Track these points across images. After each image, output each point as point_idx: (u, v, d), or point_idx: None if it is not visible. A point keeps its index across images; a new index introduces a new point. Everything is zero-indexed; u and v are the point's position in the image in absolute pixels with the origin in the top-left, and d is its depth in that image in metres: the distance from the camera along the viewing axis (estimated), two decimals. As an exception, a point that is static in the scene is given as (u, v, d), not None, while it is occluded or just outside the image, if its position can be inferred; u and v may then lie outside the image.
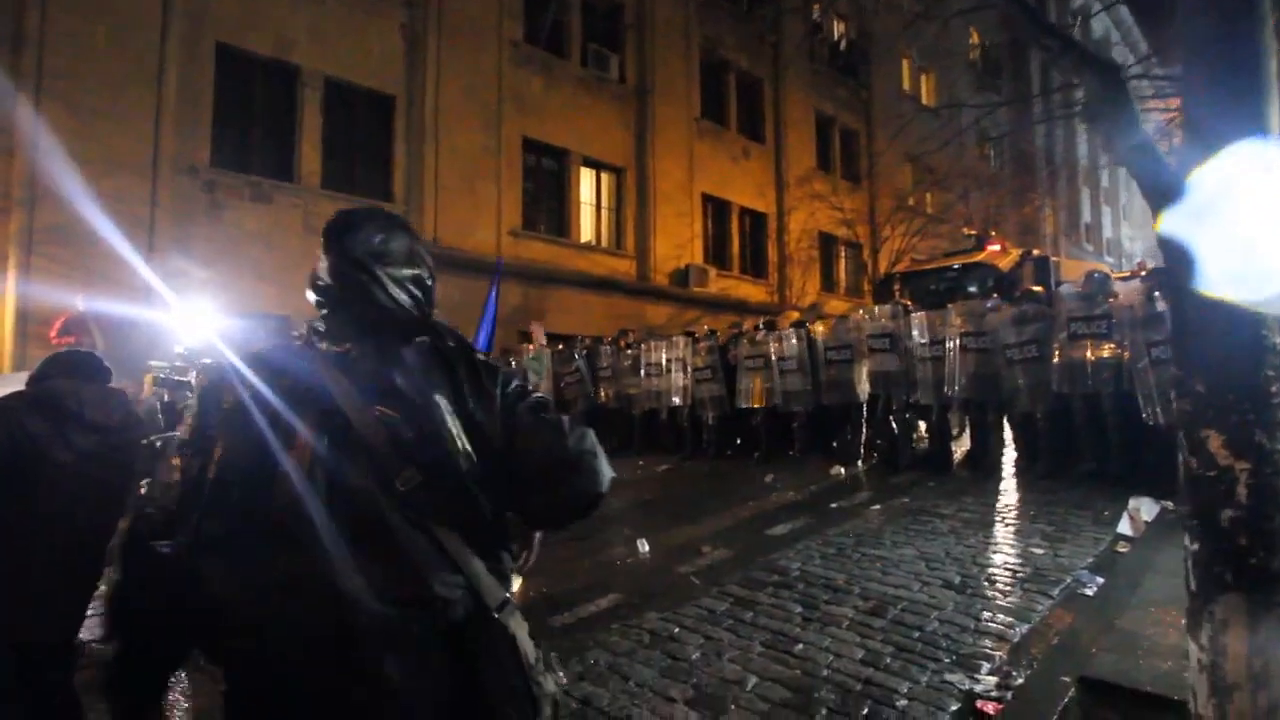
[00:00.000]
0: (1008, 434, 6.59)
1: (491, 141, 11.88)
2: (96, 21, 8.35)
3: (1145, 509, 4.42)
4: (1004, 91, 22.57)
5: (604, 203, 14.06)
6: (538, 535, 1.36)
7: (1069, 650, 2.83)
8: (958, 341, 6.25)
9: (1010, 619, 3.14)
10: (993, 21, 19.70)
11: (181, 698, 2.69)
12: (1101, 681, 2.54)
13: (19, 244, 7.78)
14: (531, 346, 10.04)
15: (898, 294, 9.84)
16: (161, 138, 8.76)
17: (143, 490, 1.62)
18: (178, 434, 1.17)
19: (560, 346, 10.06)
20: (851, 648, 2.95)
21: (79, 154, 7.55)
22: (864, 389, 7.04)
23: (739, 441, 8.28)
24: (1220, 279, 1.53)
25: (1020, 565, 3.83)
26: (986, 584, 3.59)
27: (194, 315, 6.17)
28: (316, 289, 1.20)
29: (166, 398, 4.42)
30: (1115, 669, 2.60)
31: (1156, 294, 5.36)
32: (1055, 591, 3.42)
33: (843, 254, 19.09)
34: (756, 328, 8.37)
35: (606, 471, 1.21)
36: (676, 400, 8.45)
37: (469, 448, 1.14)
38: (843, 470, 6.70)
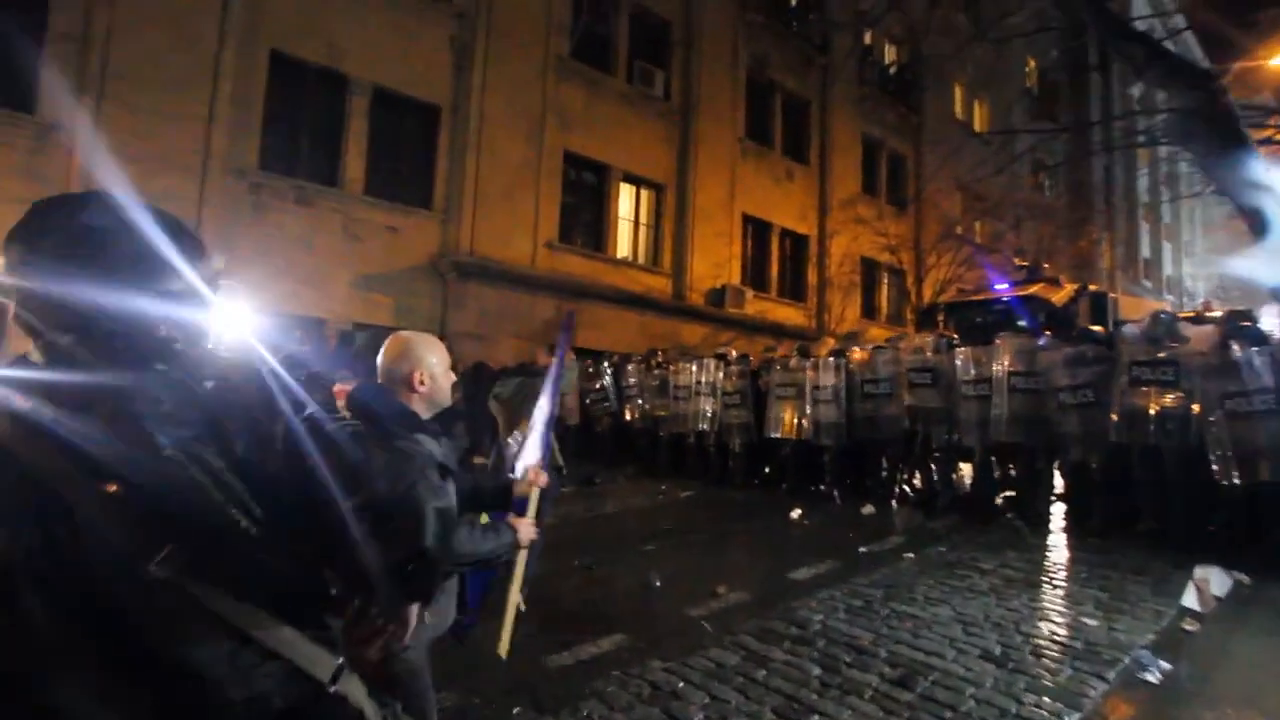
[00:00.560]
0: (1058, 483, 6.13)
1: (533, 154, 11.89)
2: (160, 25, 8.64)
3: (1215, 581, 3.97)
4: (1061, 120, 21.80)
5: (642, 219, 13.94)
6: None
7: (1127, 750, 2.48)
8: (1006, 380, 5.86)
9: (1058, 703, 2.78)
10: (1050, 46, 19.06)
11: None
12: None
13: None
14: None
15: (941, 324, 9.42)
16: (213, 140, 9.01)
17: None
18: None
19: (588, 363, 9.90)
20: (874, 724, 2.64)
21: (133, 153, 7.78)
22: (902, 425, 6.67)
23: (766, 471, 7.96)
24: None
25: (1070, 638, 3.44)
26: (1031, 658, 3.22)
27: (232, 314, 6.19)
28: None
29: None
30: (1184, 781, 2.24)
31: (1232, 341, 4.93)
32: (1111, 674, 3.04)
33: (885, 280, 18.59)
34: (791, 355, 8.06)
35: None
36: (703, 426, 8.18)
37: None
38: (875, 510, 6.32)
